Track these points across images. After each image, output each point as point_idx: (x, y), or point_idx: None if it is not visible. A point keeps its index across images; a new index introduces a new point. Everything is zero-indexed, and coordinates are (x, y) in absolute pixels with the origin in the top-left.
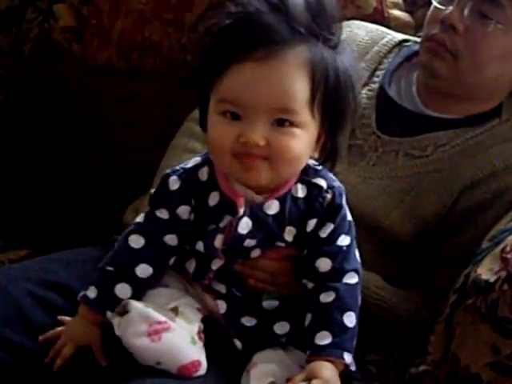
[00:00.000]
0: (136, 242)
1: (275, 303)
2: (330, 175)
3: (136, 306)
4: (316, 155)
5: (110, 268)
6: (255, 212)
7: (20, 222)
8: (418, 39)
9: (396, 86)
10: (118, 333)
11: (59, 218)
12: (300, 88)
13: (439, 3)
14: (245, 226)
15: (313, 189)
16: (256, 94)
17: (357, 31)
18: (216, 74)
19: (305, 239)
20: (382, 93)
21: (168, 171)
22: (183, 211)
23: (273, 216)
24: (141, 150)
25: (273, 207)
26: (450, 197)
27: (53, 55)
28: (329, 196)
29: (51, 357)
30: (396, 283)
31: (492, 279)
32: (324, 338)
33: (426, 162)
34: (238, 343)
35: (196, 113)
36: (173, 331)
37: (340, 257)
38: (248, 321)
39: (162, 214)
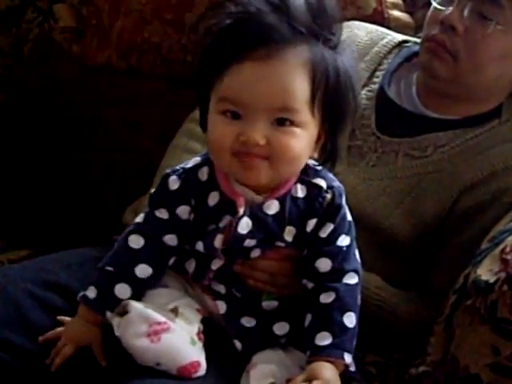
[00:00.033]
0: (135, 242)
1: (275, 304)
2: (330, 175)
3: (136, 306)
4: (316, 155)
5: (110, 268)
6: (255, 212)
7: (20, 223)
8: (418, 40)
9: (396, 87)
10: (117, 333)
11: (59, 218)
12: (300, 87)
13: (439, 4)
14: (245, 225)
15: (313, 189)
16: (256, 93)
17: (357, 32)
18: (216, 74)
19: (305, 239)
20: (381, 93)
21: (168, 171)
22: (183, 211)
23: (273, 216)
24: (140, 151)
25: (273, 207)
26: (450, 197)
27: (52, 55)
28: (329, 196)
29: (52, 358)
30: (396, 284)
31: (492, 280)
32: (324, 339)
33: (426, 163)
34: (238, 344)
35: (196, 113)
36: (172, 332)
37: (340, 257)
38: (248, 321)
39: (162, 214)
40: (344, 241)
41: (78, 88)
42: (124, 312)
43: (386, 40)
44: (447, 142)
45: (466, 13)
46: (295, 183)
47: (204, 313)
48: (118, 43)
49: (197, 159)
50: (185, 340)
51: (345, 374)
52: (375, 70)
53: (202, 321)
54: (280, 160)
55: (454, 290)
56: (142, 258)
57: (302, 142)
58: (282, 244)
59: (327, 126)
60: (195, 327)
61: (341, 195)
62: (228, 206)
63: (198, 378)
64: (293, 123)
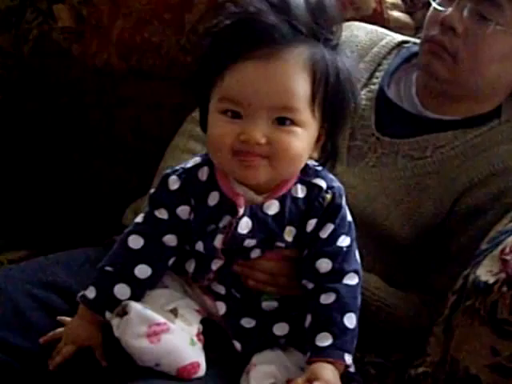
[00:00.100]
0: (135, 242)
1: (274, 304)
2: (330, 176)
3: (135, 307)
4: (316, 155)
5: (109, 268)
6: (255, 212)
7: (19, 223)
8: (418, 40)
9: (395, 88)
10: (116, 334)
11: (58, 218)
12: (301, 87)
13: (438, 5)
14: (245, 225)
15: (312, 189)
16: (257, 92)
17: (356, 32)
18: (217, 73)
19: (305, 240)
20: (381, 94)
21: (168, 171)
22: (183, 211)
23: (273, 216)
24: (140, 151)
25: (273, 207)
26: (450, 198)
27: (52, 56)
28: (328, 196)
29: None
30: (395, 284)
31: (491, 281)
32: (324, 340)
33: (426, 164)
34: (238, 344)
35: (195, 114)
36: (172, 333)
37: (340, 257)
38: (247, 322)
39: (162, 214)
40: (344, 241)
41: (77, 88)
42: (123, 313)
43: (385, 41)
44: (447, 142)
45: (465, 13)
46: (295, 183)
47: (203, 313)
48: (118, 44)
49: (197, 159)
50: (184, 341)
51: (344, 375)
52: (375, 71)
53: (202, 321)
54: (280, 159)
55: (453, 291)
56: (142, 258)
57: (302, 141)
58: (282, 244)
59: (327, 126)
60: (195, 328)
61: (341, 195)
62: (228, 206)
63: (198, 378)
64: (293, 122)
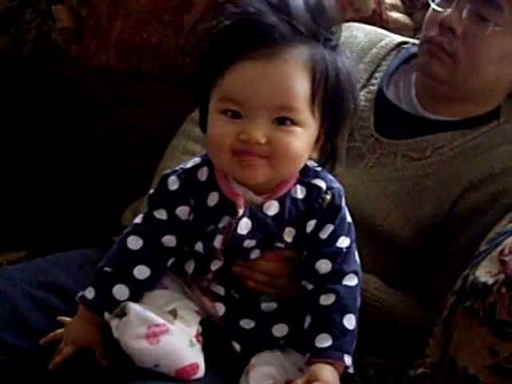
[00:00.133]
0: (134, 243)
1: (273, 305)
2: (330, 176)
3: (134, 308)
4: (315, 156)
5: (108, 269)
6: (255, 212)
7: (18, 224)
8: (417, 41)
9: (394, 88)
10: (115, 335)
11: (58, 219)
12: (301, 87)
13: (437, 5)
14: (244, 226)
15: (312, 190)
16: (257, 92)
17: (355, 33)
18: (217, 73)
19: (304, 240)
20: (380, 95)
21: (167, 171)
22: (182, 211)
23: (272, 217)
24: (139, 152)
25: (272, 208)
26: (449, 199)
27: (51, 56)
28: (328, 197)
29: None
30: (394, 285)
31: (490, 282)
32: (324, 341)
33: (425, 164)
34: (237, 345)
35: (194, 114)
36: (171, 334)
37: (340, 258)
38: (246, 323)
39: (161, 214)
40: (344, 242)
41: (76, 89)
42: (122, 314)
43: (384, 41)
44: (446, 143)
45: (464, 14)
46: (295, 184)
47: (203, 314)
48: (117, 44)
49: (196, 159)
50: (183, 342)
51: (344, 376)
52: (374, 72)
53: (201, 322)
54: (280, 159)
55: (452, 292)
56: (141, 259)
57: (302, 141)
58: (282, 245)
59: (327, 126)
60: (194, 329)
61: (340, 196)
62: (227, 207)
63: (197, 379)
64: (293, 122)
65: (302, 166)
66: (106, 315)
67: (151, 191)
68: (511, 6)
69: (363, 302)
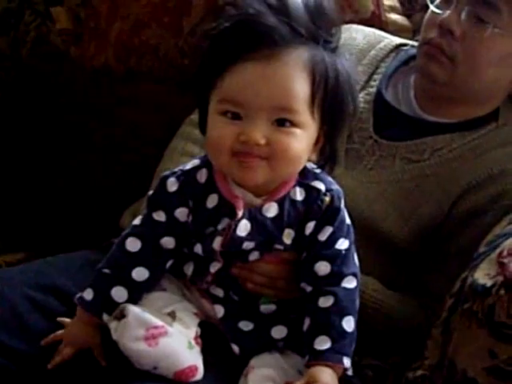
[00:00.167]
0: (132, 245)
1: (272, 307)
2: (329, 178)
3: (133, 310)
4: (314, 158)
5: (107, 271)
6: (254, 214)
7: (17, 225)
8: (416, 43)
9: (393, 90)
10: (114, 337)
11: (57, 220)
12: (301, 88)
13: (436, 7)
14: (243, 228)
15: (311, 192)
16: (257, 93)
17: (354, 35)
18: (217, 75)
19: (303, 242)
20: (379, 97)
21: (166, 173)
22: (181, 213)
23: (271, 218)
24: (138, 153)
25: (271, 210)
26: (448, 201)
27: (50, 58)
28: (327, 199)
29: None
30: (393, 287)
31: (489, 284)
32: (323, 343)
33: (424, 166)
34: (235, 347)
35: (193, 116)
36: (170, 336)
37: (339, 260)
38: (245, 325)
39: (159, 216)
40: (343, 244)
41: (75, 90)
42: (121, 316)
43: (383, 43)
44: (444, 145)
45: (463, 16)
46: (294, 186)
47: (201, 316)
48: (116, 46)
49: (195, 161)
50: (182, 344)
51: (343, 378)
52: (373, 74)
53: (200, 324)
54: (279, 160)
55: (451, 294)
56: (139, 261)
57: (301, 142)
58: (281, 247)
59: (326, 128)
60: (193, 331)
61: (339, 198)
62: (227, 209)
63: (196, 382)
64: (293, 124)
65: (301, 167)
66: (105, 317)
67: (150, 193)
68: (510, 9)
69: (362, 304)
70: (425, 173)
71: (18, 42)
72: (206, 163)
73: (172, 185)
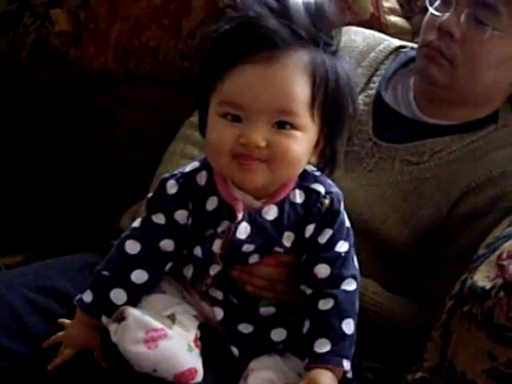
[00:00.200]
0: (132, 247)
1: (272, 310)
2: (329, 181)
3: (133, 312)
4: (314, 160)
5: (106, 273)
6: (253, 217)
7: (16, 228)
8: (415, 45)
9: (393, 92)
10: (114, 339)
11: (56, 223)
12: (301, 91)
13: (436, 10)
14: (243, 230)
15: (311, 194)
16: (257, 96)
17: (354, 37)
18: (217, 77)
19: (303, 245)
20: (378, 99)
21: (166, 175)
22: (181, 216)
23: (271, 221)
24: (138, 155)
25: (271, 212)
26: (447, 203)
27: (50, 60)
28: (327, 201)
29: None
30: (393, 289)
31: (488, 286)
32: (323, 346)
33: (423, 169)
34: (235, 350)
35: (193, 119)
36: (170, 338)
37: (338, 263)
38: (245, 328)
39: (159, 218)
40: (342, 247)
41: (75, 92)
42: (121, 318)
43: (383, 45)
44: (444, 147)
45: (462, 18)
46: (293, 188)
47: (201, 319)
48: (115, 48)
49: (195, 164)
50: (182, 347)
51: (342, 380)
52: (372, 76)
53: (199, 327)
54: (279, 163)
55: (450, 296)
56: (138, 263)
57: (301, 145)
58: (281, 249)
59: (326, 131)
60: (192, 334)
61: (339, 201)
62: (226, 211)
63: None
64: (293, 126)
65: (301, 170)
66: (104, 319)
67: (150, 195)
68: (509, 11)
69: (361, 306)
70: (424, 175)
71: (18, 43)
72: (205, 166)
73: (171, 187)
